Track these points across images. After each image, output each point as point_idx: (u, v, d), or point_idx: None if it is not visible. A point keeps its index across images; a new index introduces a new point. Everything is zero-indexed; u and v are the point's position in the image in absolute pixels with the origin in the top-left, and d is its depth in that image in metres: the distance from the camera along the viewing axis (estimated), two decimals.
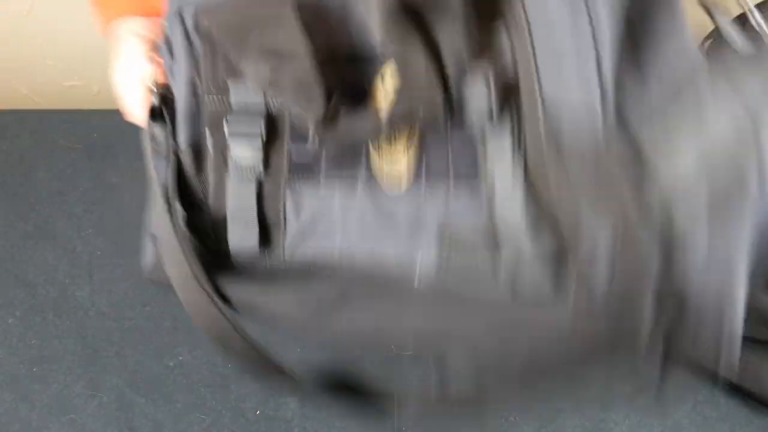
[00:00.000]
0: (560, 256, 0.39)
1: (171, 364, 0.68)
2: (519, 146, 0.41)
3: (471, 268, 0.44)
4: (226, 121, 0.48)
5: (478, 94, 0.41)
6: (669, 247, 0.32)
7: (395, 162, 0.46)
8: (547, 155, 0.38)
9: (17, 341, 0.69)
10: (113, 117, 0.88)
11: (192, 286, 0.48)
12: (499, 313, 0.43)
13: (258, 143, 0.48)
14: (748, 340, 0.65)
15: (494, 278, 0.42)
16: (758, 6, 0.90)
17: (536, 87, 0.39)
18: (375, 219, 0.48)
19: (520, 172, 0.41)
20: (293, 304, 0.50)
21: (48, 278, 0.74)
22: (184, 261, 0.47)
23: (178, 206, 0.49)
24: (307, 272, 0.50)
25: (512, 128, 0.41)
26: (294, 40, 0.43)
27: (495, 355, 0.43)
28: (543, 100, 0.39)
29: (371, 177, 0.47)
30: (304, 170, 0.49)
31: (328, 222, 0.49)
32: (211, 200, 0.50)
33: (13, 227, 0.78)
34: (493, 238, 0.42)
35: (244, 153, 0.48)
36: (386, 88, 0.45)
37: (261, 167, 0.48)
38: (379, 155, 0.47)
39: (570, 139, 0.37)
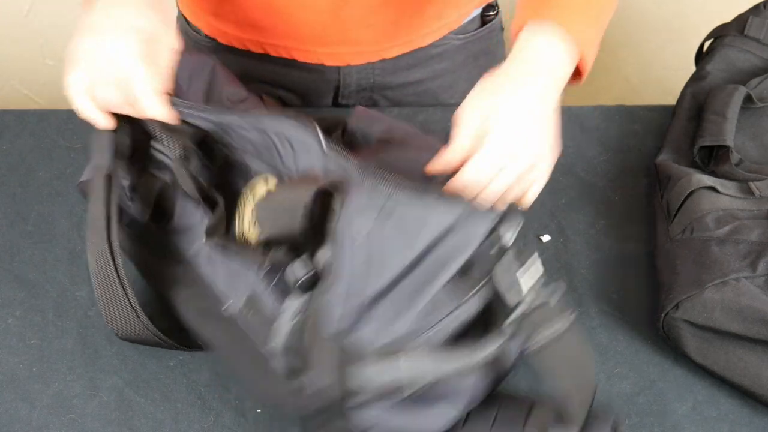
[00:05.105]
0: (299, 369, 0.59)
1: (171, 363, 0.68)
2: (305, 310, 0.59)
3: (254, 330, 0.62)
4: None
5: (300, 266, 0.58)
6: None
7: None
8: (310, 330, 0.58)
9: (17, 341, 0.69)
10: None
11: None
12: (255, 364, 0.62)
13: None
14: (748, 340, 0.65)
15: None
16: (758, 6, 0.90)
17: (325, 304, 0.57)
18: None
19: (293, 318, 0.59)
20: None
21: (48, 278, 0.74)
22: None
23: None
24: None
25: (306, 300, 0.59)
26: None
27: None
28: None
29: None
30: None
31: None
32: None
33: (13, 227, 0.78)
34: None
35: None
36: (255, 194, 0.66)
37: None
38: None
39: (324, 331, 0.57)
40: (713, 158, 0.79)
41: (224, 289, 0.65)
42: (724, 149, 0.77)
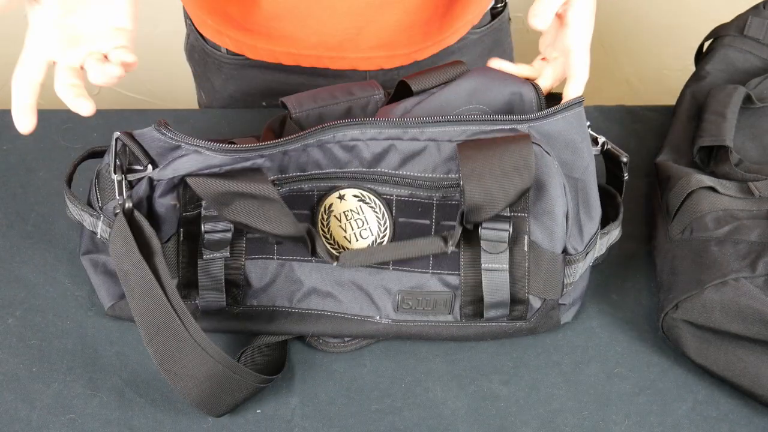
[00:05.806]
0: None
1: None
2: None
3: (424, 317, 0.68)
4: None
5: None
6: None
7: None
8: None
9: (17, 341, 0.69)
10: (113, 117, 0.88)
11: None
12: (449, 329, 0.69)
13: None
14: (748, 340, 0.65)
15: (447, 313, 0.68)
16: (758, 6, 0.90)
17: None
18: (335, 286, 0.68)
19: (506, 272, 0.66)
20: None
21: (48, 278, 0.74)
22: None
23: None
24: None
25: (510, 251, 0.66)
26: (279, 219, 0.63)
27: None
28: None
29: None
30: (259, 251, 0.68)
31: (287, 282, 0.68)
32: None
33: (13, 227, 0.78)
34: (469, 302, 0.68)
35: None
36: (334, 210, 0.68)
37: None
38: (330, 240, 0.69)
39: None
40: (713, 158, 0.79)
41: (358, 309, 0.68)
42: (724, 149, 0.77)
